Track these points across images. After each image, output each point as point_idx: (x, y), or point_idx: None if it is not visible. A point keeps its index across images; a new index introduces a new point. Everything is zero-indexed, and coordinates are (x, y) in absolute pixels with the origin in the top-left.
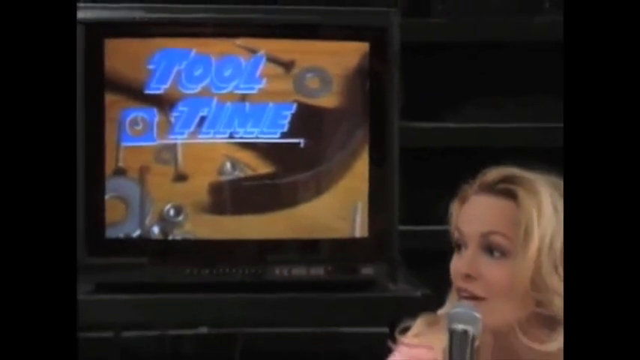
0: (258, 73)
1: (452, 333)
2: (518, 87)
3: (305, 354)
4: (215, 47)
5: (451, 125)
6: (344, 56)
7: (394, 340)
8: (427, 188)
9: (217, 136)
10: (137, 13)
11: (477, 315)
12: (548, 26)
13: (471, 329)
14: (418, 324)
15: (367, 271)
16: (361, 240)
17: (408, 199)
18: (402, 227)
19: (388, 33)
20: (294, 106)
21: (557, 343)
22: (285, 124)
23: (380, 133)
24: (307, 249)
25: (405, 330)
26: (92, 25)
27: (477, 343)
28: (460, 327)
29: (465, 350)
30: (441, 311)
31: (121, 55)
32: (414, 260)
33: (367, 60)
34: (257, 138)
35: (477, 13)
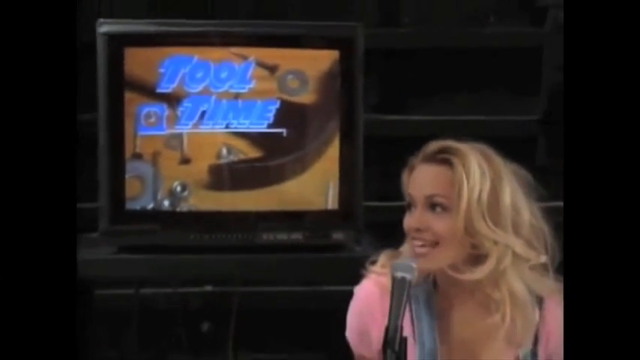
0: (248, 75)
1: (394, 279)
2: (471, 85)
3: (289, 309)
4: (213, 54)
5: (415, 118)
6: (319, 61)
7: (365, 269)
8: (395, 171)
9: (215, 127)
10: (151, 27)
11: (414, 265)
12: (494, 35)
13: (408, 276)
14: (382, 257)
15: (337, 236)
16: (333, 211)
17: (376, 179)
18: (370, 203)
19: (355, 42)
20: (278, 103)
21: (478, 273)
22: (270, 117)
23: (348, 124)
24: (289, 218)
25: (374, 262)
26: (114, 37)
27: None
28: (400, 274)
29: (403, 292)
30: (401, 248)
31: (137, 61)
32: (378, 228)
33: (338, 64)
34: (248, 128)
35: (436, 25)
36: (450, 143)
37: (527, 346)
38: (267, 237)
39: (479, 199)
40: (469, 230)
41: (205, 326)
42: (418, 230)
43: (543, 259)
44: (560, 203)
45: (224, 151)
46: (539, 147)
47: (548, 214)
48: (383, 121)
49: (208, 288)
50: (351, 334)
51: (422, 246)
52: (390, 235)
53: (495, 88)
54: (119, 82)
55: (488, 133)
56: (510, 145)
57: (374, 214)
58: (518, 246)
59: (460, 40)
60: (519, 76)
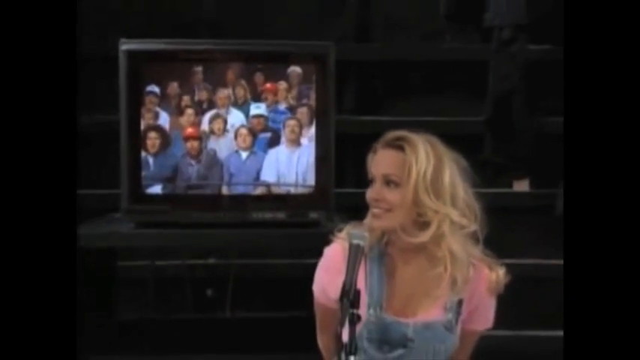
0: None
1: (350, 245)
2: (430, 91)
3: (276, 277)
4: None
5: (384, 118)
6: (299, 72)
7: (333, 235)
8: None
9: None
10: (162, 45)
11: (366, 234)
12: (450, 51)
13: (361, 243)
14: (347, 227)
15: (313, 215)
16: (310, 195)
17: (350, 170)
18: (345, 189)
19: (327, 57)
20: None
21: (423, 237)
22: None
23: (322, 123)
24: (274, 201)
25: (340, 230)
26: (133, 53)
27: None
28: (355, 241)
29: (357, 254)
30: (364, 220)
31: (151, 73)
32: (352, 209)
33: (314, 75)
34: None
35: (403, 40)
36: (403, 133)
37: (462, 294)
38: (256, 216)
39: (424, 178)
40: (415, 201)
41: (209, 292)
42: (376, 200)
43: (474, 227)
44: (499, 190)
45: None
46: (485, 143)
47: (494, 198)
48: (357, 122)
49: (211, 260)
50: (317, 286)
51: (378, 210)
52: (361, 214)
53: (450, 94)
54: (137, 90)
55: (444, 132)
56: (461, 142)
57: (349, 198)
58: (455, 215)
59: (422, 53)
60: (470, 84)
